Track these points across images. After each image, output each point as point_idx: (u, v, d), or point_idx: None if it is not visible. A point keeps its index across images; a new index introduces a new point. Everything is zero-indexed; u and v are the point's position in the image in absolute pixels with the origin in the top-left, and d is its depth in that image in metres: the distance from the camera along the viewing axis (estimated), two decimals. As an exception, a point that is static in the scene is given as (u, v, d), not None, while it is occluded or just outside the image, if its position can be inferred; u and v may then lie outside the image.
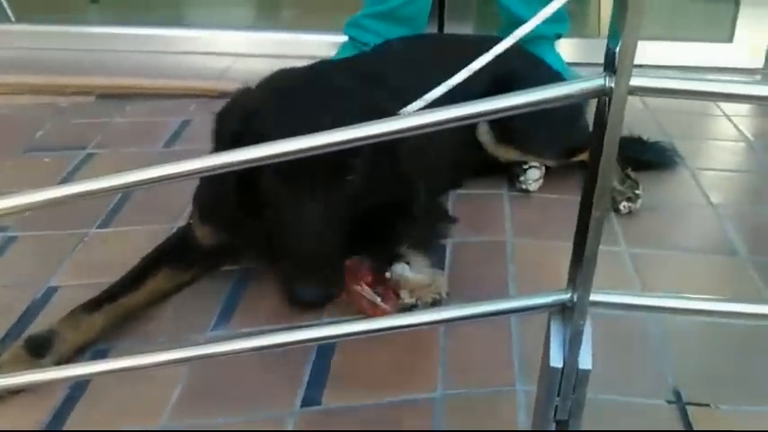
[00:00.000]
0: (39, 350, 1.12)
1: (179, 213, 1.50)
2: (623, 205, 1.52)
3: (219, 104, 1.25)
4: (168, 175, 0.67)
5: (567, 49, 2.30)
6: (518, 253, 1.40)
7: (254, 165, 0.66)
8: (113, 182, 0.68)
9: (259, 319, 1.24)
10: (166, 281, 1.28)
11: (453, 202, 1.60)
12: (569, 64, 2.21)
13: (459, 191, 1.64)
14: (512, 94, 0.65)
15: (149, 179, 0.68)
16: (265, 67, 1.30)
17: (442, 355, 1.12)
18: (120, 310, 1.21)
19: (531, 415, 0.86)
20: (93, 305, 1.19)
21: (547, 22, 1.02)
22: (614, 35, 0.62)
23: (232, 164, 0.66)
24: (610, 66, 0.63)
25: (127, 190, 0.73)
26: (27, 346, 1.12)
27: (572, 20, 2.28)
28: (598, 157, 0.64)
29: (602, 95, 0.64)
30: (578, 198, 0.67)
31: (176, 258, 1.29)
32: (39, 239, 1.50)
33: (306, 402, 1.05)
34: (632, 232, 1.47)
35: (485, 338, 1.14)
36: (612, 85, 0.62)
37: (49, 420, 1.05)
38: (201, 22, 2.87)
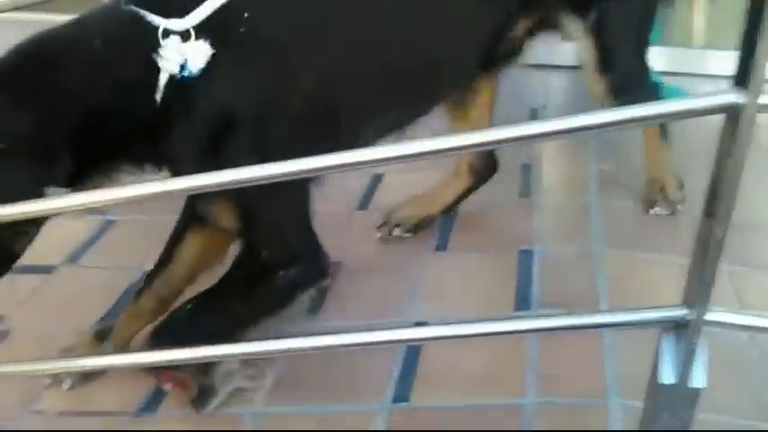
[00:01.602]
0: (101, 336, 1.18)
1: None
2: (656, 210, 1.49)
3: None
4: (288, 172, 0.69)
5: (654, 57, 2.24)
6: (608, 265, 1.37)
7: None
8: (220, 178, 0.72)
9: (348, 313, 1.26)
10: (196, 244, 1.21)
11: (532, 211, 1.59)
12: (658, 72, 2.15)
13: (545, 197, 1.62)
14: (635, 107, 0.65)
15: (263, 176, 0.71)
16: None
17: (531, 363, 1.12)
18: (162, 289, 1.19)
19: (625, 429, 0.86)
20: (139, 291, 1.20)
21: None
22: (746, 49, 0.61)
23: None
24: (741, 81, 0.62)
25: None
26: (95, 332, 1.18)
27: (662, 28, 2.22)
28: (723, 174, 0.63)
29: (731, 112, 0.63)
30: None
31: (196, 219, 1.20)
32: (136, 224, 1.57)
33: (396, 399, 1.07)
34: (731, 249, 1.42)
35: (575, 349, 1.13)
36: (743, 101, 0.61)
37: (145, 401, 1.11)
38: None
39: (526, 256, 1.38)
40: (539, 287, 1.30)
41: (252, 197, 0.99)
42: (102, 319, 1.28)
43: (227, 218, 1.05)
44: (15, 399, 1.13)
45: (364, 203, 1.60)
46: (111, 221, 1.59)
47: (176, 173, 1.02)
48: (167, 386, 1.09)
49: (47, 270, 1.43)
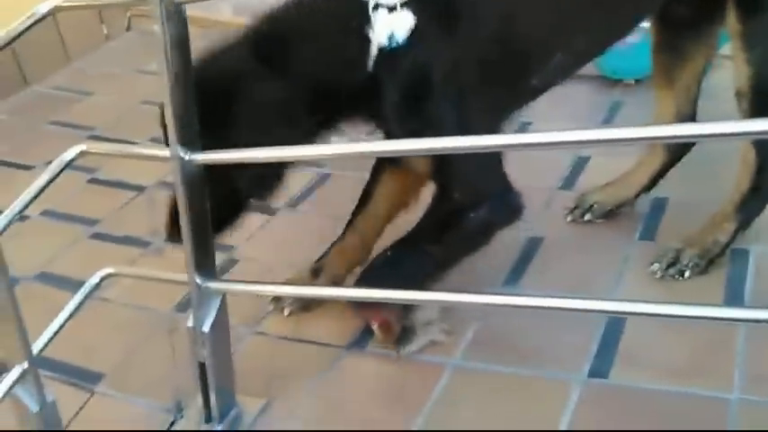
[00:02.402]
0: (316, 273, 1.30)
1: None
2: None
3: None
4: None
5: None
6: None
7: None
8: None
9: (548, 282, 1.29)
10: (391, 185, 1.28)
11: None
12: None
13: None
14: None
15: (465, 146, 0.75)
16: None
17: (739, 358, 1.09)
18: (363, 227, 1.30)
19: None
20: (344, 230, 1.32)
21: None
22: None
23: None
24: None
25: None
26: (310, 269, 1.31)
27: None
28: None
29: None
30: None
31: (392, 162, 1.26)
32: (348, 179, 1.68)
33: (593, 373, 1.09)
34: None
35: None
36: None
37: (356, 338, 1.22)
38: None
39: (740, 255, 1.32)
40: (751, 287, 1.24)
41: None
42: (316, 261, 1.40)
43: (421, 161, 1.11)
44: (241, 320, 1.27)
45: (568, 184, 1.61)
46: (326, 175, 1.72)
47: (386, 129, 1.11)
48: (374, 324, 1.18)
49: (271, 212, 1.59)
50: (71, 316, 0.96)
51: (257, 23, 1.08)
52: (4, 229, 0.81)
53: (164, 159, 0.84)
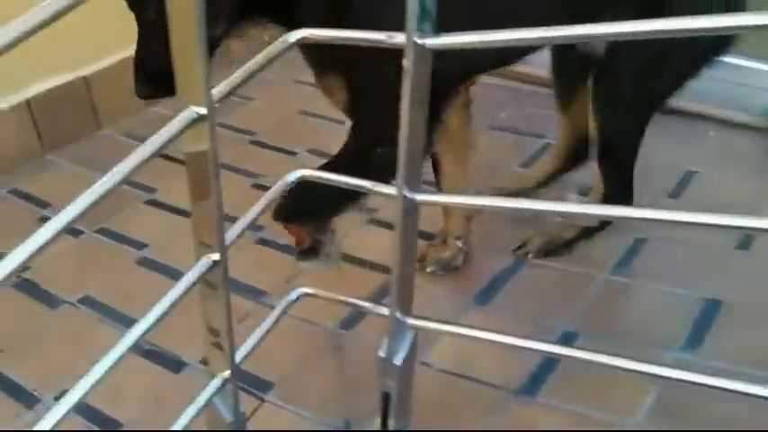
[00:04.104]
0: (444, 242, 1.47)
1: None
2: None
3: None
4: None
5: None
6: None
7: None
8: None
9: (731, 353, 1.23)
10: None
11: None
12: None
13: None
14: None
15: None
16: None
17: None
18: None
19: None
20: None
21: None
22: None
23: None
24: None
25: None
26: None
27: None
28: None
29: None
30: None
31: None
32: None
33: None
34: None
35: None
36: None
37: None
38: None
39: None
40: None
41: (362, 74, 1.12)
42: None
43: (338, 92, 1.18)
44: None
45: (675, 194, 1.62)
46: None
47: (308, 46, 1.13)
48: (289, 234, 1.30)
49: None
50: (268, 330, 0.99)
51: None
52: (232, 243, 0.84)
53: (387, 196, 0.86)
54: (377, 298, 1.40)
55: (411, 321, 0.95)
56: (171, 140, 0.69)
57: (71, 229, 1.84)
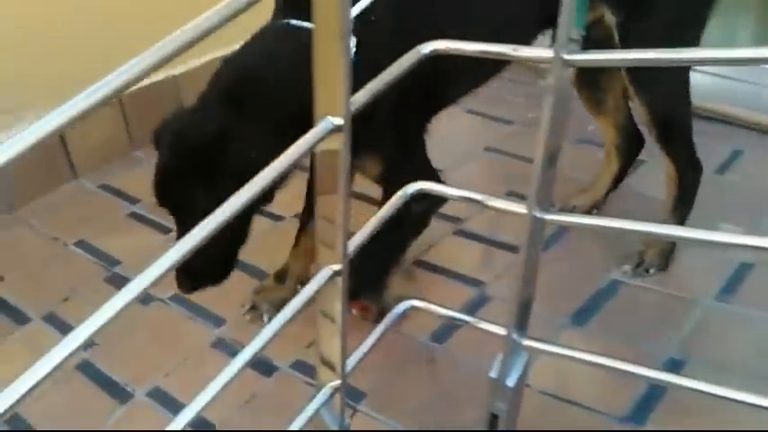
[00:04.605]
0: (280, 278, 1.45)
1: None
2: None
3: None
4: None
5: None
6: None
7: None
8: None
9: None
10: None
11: None
12: None
13: None
14: None
15: None
16: None
17: None
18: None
19: None
20: (297, 235, 1.45)
21: None
22: None
23: None
24: None
25: None
26: (273, 274, 1.46)
27: None
28: None
29: None
30: None
31: None
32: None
33: None
34: None
35: None
36: None
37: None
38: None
39: None
40: None
41: (396, 150, 1.24)
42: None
43: (374, 167, 1.25)
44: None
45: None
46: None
47: None
48: (354, 310, 1.35)
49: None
50: (377, 341, 0.97)
51: (221, 73, 1.15)
52: (352, 252, 0.83)
53: (517, 215, 0.83)
54: (469, 311, 1.37)
55: (527, 342, 0.92)
56: (307, 152, 0.68)
57: (152, 222, 1.85)
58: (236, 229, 1.16)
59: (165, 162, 1.13)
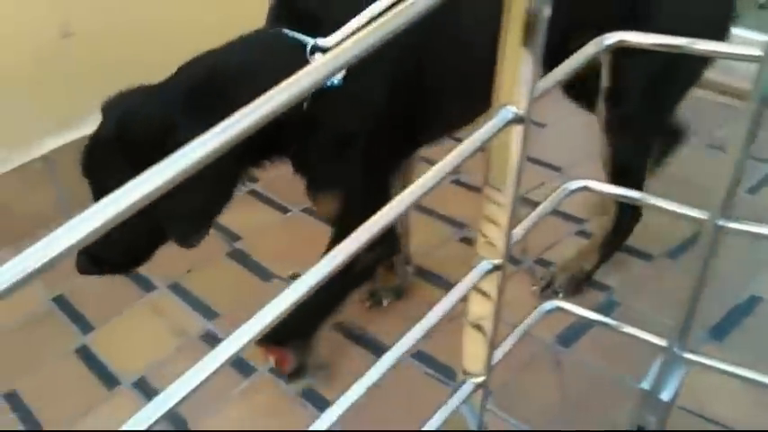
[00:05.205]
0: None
1: None
2: None
3: None
4: None
5: None
6: None
7: None
8: None
9: None
10: None
11: None
12: None
13: None
14: None
15: None
16: None
17: None
18: None
19: None
20: None
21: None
22: None
23: None
24: None
25: None
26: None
27: None
28: None
29: None
30: None
31: None
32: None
33: None
34: None
35: None
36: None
37: None
38: None
39: None
40: None
41: (360, 191, 1.16)
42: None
43: (329, 205, 1.17)
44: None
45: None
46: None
47: (305, 169, 1.17)
48: (271, 357, 1.26)
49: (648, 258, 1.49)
50: (520, 339, 0.94)
51: (193, 64, 1.07)
52: (512, 245, 0.80)
53: (695, 220, 0.78)
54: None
55: (689, 356, 0.87)
56: (486, 141, 0.65)
57: (271, 201, 1.86)
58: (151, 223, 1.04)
59: (104, 134, 1.06)
